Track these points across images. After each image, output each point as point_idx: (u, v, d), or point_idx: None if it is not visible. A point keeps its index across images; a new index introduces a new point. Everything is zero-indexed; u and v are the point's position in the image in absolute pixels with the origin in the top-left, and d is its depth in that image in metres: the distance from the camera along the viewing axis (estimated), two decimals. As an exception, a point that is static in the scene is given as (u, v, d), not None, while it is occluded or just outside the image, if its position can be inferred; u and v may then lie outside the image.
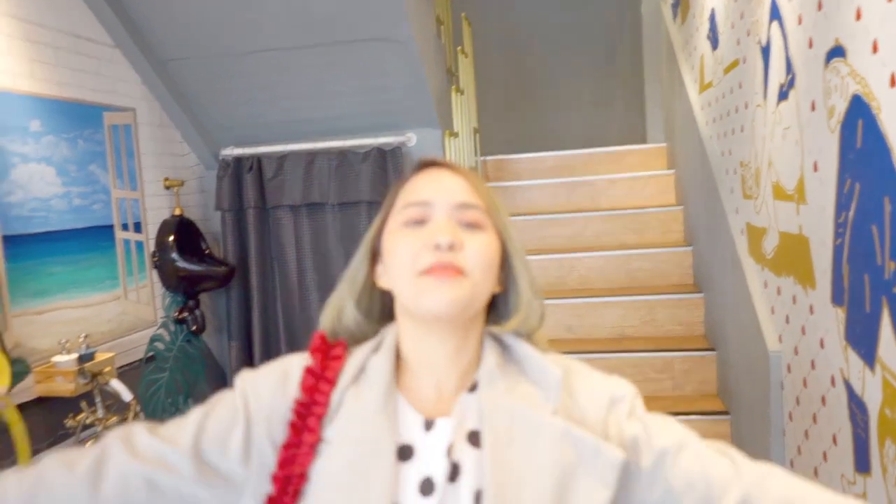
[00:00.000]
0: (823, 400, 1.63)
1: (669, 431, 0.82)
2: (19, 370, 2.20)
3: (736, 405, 2.58)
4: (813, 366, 1.70)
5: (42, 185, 2.42)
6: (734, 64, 2.46)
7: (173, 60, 3.07)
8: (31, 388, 2.36)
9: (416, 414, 0.82)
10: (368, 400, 0.81)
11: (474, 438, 0.80)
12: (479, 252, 0.81)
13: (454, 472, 0.78)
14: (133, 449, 0.81)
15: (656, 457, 0.79)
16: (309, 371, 0.84)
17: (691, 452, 0.80)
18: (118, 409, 2.45)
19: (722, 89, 2.70)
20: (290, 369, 0.85)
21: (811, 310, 1.70)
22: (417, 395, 0.84)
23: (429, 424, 0.81)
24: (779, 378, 2.00)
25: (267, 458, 0.80)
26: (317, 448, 0.79)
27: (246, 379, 0.86)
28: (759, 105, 2.14)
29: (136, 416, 2.39)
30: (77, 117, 2.63)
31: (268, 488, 0.78)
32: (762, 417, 2.13)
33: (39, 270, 2.41)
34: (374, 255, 0.89)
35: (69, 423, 2.31)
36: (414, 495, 0.77)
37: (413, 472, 0.78)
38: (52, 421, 2.40)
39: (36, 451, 2.22)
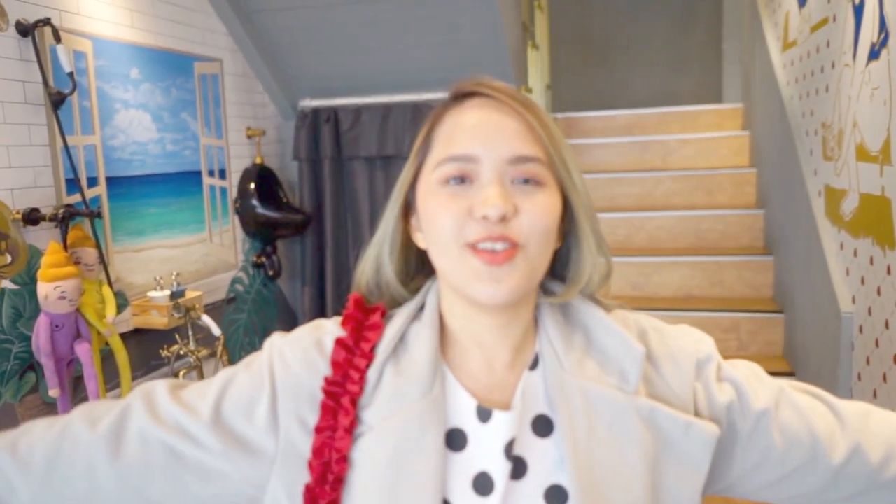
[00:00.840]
0: (895, 359, 1.65)
1: (763, 388, 0.74)
2: (120, 303, 2.37)
3: (803, 366, 2.59)
4: (887, 326, 1.72)
5: (140, 130, 2.57)
6: (823, 22, 2.41)
7: (257, 12, 3.16)
8: (128, 321, 2.55)
9: (469, 398, 0.71)
10: (411, 378, 0.70)
11: (540, 426, 0.70)
12: (536, 219, 0.67)
13: (519, 469, 0.69)
14: (155, 411, 0.74)
15: (756, 419, 0.72)
16: (340, 343, 0.73)
17: (789, 406, 0.74)
18: (207, 343, 2.63)
19: (807, 48, 2.64)
20: (323, 339, 0.75)
21: (888, 270, 1.71)
22: (466, 371, 0.73)
23: (484, 415, 0.70)
24: (850, 339, 2.01)
25: (294, 437, 0.70)
26: (355, 431, 0.69)
27: (275, 345, 0.75)
28: (846, 65, 2.11)
29: (223, 350, 2.56)
30: (170, 66, 2.76)
31: (298, 474, 0.69)
32: (830, 378, 2.15)
33: (138, 211, 2.58)
34: (408, 208, 0.76)
35: (164, 353, 2.49)
36: (467, 492, 0.68)
37: (465, 464, 0.69)
38: (147, 351, 2.59)
39: (133, 377, 2.41)
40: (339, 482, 0.68)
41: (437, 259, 0.72)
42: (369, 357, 0.72)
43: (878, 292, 1.79)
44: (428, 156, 0.72)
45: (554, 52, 4.62)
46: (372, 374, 0.71)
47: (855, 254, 2.00)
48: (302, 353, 0.74)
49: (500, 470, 0.68)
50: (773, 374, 2.62)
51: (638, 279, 3.35)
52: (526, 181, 0.68)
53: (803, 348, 2.59)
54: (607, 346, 0.72)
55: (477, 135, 0.69)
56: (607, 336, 0.73)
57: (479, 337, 0.73)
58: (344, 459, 0.68)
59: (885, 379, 1.73)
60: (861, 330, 1.94)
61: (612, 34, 5.86)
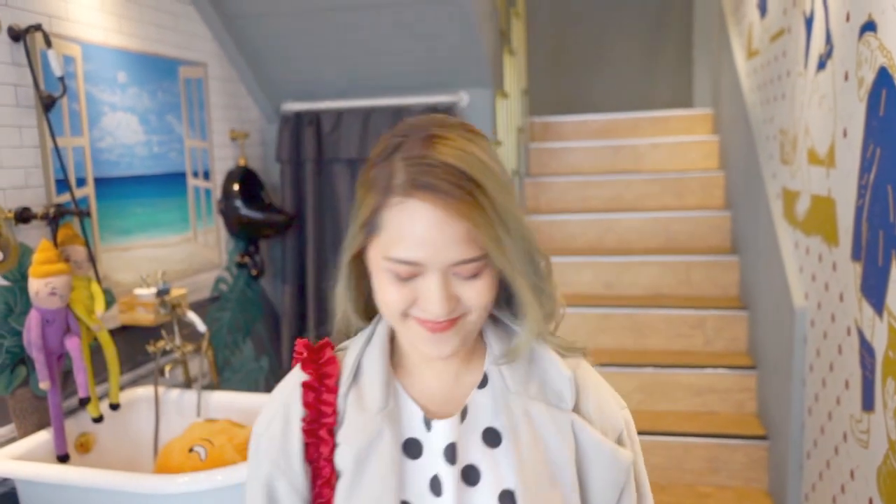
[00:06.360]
0: (840, 349, 1.78)
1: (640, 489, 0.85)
2: (107, 300, 2.45)
3: (763, 360, 2.72)
4: (833, 319, 1.85)
5: (128, 133, 2.65)
6: (780, 33, 2.55)
7: (242, 17, 3.25)
8: (115, 318, 2.62)
9: (418, 409, 0.82)
10: (369, 398, 0.81)
11: (490, 437, 0.81)
12: (474, 299, 0.76)
13: (472, 475, 0.79)
14: None
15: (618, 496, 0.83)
16: (307, 386, 0.83)
17: None
18: (192, 339, 2.71)
19: (767, 57, 2.78)
20: (290, 402, 0.84)
21: (834, 266, 1.84)
22: (420, 386, 0.84)
23: (428, 424, 0.81)
24: (803, 333, 2.14)
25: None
26: (334, 455, 0.80)
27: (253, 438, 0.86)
28: (800, 74, 2.24)
29: (209, 346, 2.64)
30: (156, 70, 2.84)
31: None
32: (786, 370, 2.28)
33: (124, 211, 2.66)
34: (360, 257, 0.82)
35: (150, 349, 2.56)
36: (426, 494, 0.78)
37: (422, 470, 0.79)
38: (134, 347, 2.66)
39: (121, 372, 2.48)
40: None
41: (385, 316, 0.82)
42: (334, 390, 0.82)
43: (826, 287, 1.92)
44: (378, 234, 0.76)
45: (530, 57, 4.74)
46: (339, 403, 0.82)
47: (807, 252, 2.13)
48: (278, 430, 0.83)
49: (446, 472, 0.79)
50: (737, 367, 2.76)
51: (610, 278, 3.47)
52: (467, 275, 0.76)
53: (764, 343, 2.72)
54: (546, 370, 0.83)
55: (423, 244, 0.72)
56: (545, 362, 0.83)
57: (426, 358, 0.83)
58: (328, 484, 0.79)
59: (831, 368, 1.86)
60: (812, 324, 2.07)
61: (587, 40, 5.99)
